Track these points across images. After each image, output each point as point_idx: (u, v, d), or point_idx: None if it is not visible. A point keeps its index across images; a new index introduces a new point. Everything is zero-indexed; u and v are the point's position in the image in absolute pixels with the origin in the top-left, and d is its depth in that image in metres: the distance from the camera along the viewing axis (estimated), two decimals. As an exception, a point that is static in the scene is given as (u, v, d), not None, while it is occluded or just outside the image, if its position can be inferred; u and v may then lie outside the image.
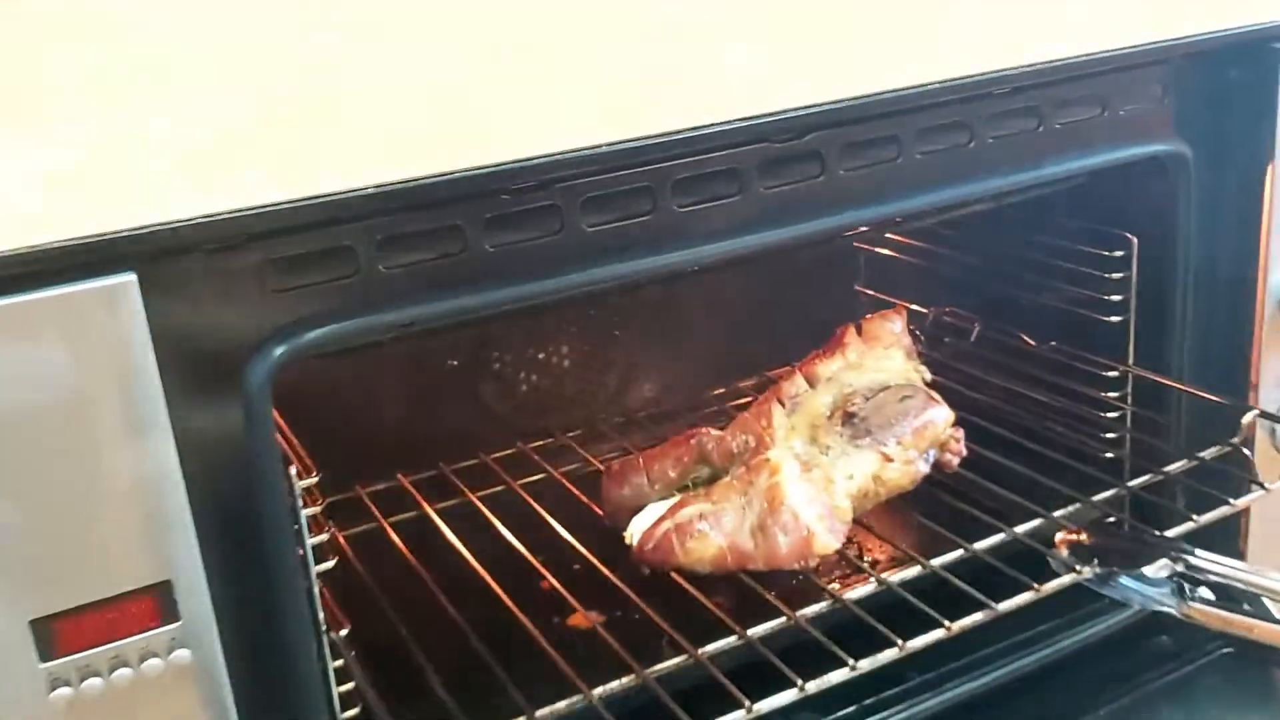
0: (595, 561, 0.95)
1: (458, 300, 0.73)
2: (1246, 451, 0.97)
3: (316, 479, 0.76)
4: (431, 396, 1.18)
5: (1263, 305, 1.02)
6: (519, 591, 0.91)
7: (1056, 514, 0.94)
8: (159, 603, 0.62)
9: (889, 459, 0.93)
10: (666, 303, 1.26)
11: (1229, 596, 0.83)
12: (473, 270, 0.73)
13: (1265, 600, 0.81)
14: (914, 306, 1.20)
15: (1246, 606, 0.82)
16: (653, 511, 0.96)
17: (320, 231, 0.68)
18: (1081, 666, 0.98)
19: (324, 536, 0.77)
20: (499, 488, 1.10)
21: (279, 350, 0.67)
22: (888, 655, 0.82)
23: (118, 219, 0.60)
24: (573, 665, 0.82)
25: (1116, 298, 1.04)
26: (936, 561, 0.91)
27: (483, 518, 1.04)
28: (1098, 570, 0.86)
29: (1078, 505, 0.96)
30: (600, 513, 1.01)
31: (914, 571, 0.90)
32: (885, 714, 0.93)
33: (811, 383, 1.01)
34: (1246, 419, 0.96)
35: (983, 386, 1.13)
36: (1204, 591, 0.83)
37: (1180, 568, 0.82)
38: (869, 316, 1.07)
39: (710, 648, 0.84)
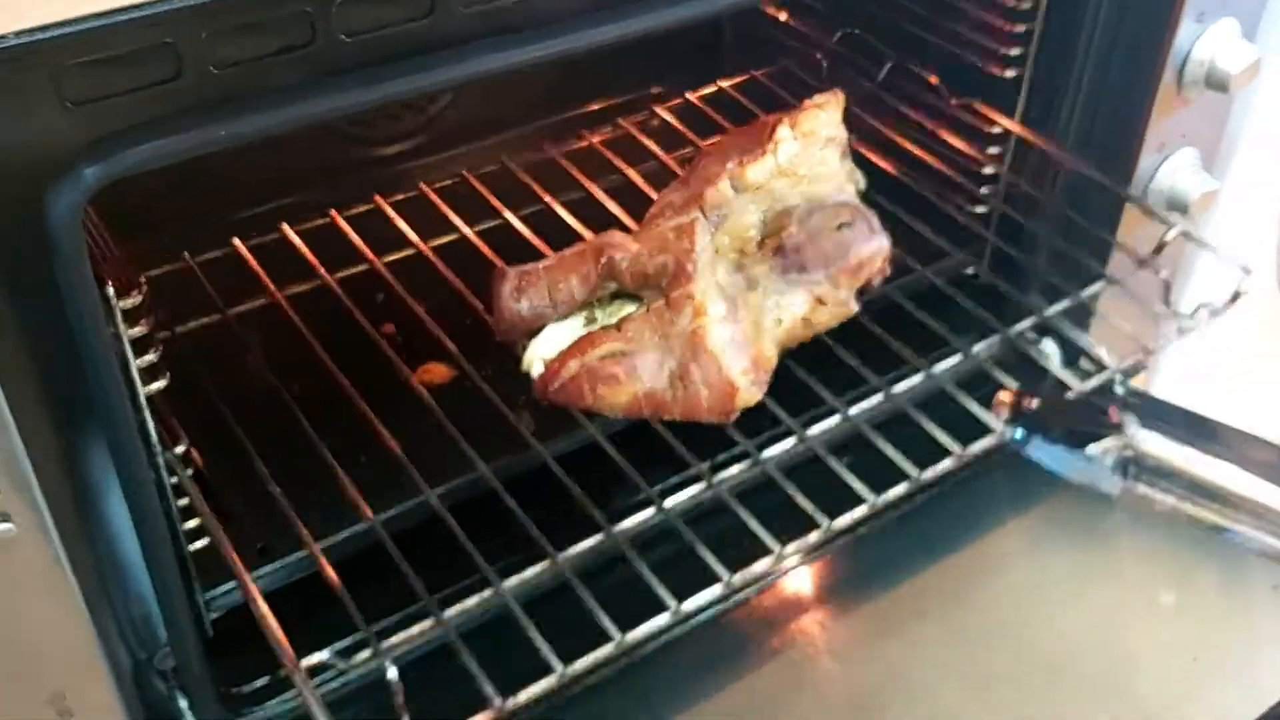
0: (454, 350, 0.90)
1: (309, 104, 0.61)
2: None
3: (141, 297, 0.66)
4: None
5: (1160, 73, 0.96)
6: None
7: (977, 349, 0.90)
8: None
9: (822, 301, 0.85)
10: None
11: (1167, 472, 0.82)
12: (325, 63, 0.62)
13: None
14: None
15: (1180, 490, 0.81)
16: (554, 336, 0.86)
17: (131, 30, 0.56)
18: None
19: (151, 357, 0.69)
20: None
21: (88, 172, 0.56)
22: (813, 536, 0.79)
23: None
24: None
25: (1015, 51, 0.99)
26: (854, 410, 0.86)
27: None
28: (1038, 441, 0.82)
29: (998, 337, 0.92)
30: (486, 318, 0.90)
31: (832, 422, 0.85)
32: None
33: (738, 187, 0.89)
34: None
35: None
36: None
37: (1129, 453, 0.79)
38: (803, 105, 0.93)
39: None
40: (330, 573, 0.75)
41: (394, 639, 0.71)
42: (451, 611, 0.73)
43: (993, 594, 0.88)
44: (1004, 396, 0.86)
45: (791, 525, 0.80)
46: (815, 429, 0.84)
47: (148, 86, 0.58)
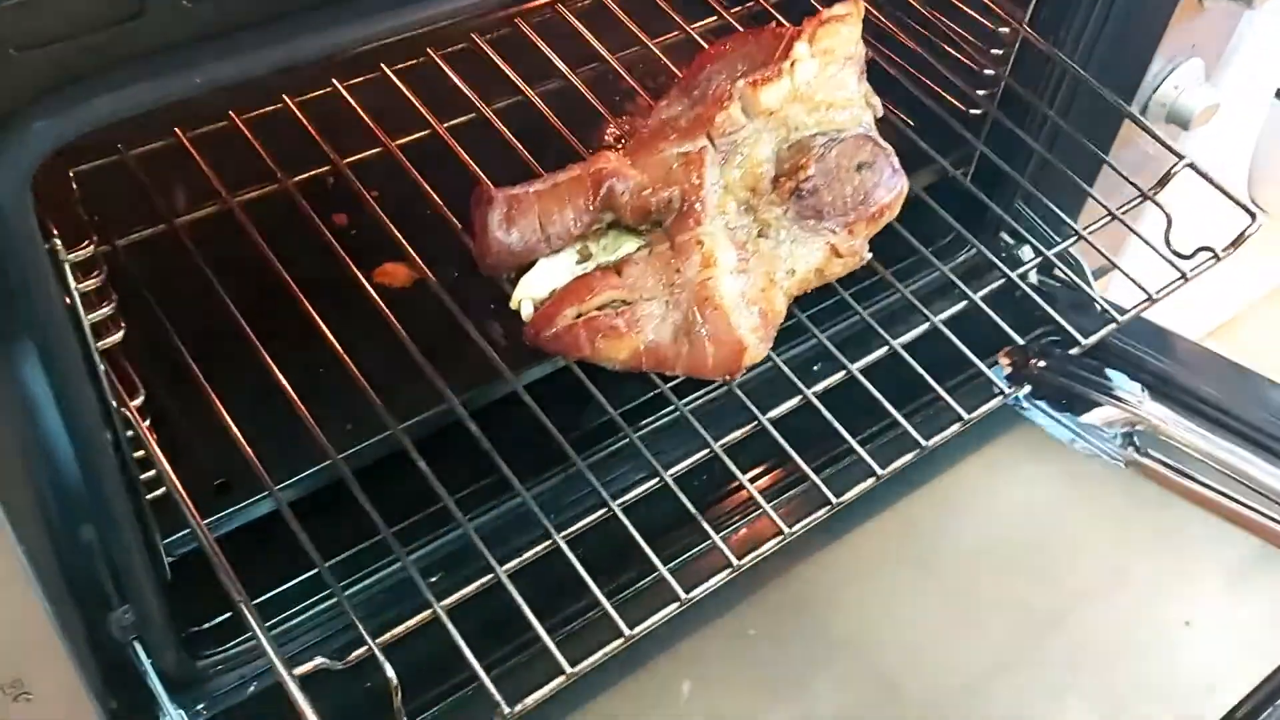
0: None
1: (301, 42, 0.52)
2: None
3: (92, 247, 0.60)
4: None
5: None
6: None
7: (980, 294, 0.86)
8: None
9: (837, 252, 0.79)
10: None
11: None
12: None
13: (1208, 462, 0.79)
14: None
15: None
16: (546, 272, 0.79)
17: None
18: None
19: (107, 310, 0.63)
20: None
21: (39, 127, 0.48)
22: (820, 513, 0.76)
23: None
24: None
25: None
26: (858, 366, 0.81)
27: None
28: (1042, 405, 0.79)
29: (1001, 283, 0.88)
30: (470, 244, 0.82)
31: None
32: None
33: (750, 112, 0.80)
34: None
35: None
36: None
37: (1138, 426, 0.76)
38: (820, 16, 0.84)
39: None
40: (288, 514, 0.70)
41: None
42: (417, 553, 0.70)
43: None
44: (1008, 354, 0.82)
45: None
46: (819, 386, 0.80)
47: (106, 27, 0.49)
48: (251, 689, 0.77)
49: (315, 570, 0.70)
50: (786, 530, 0.73)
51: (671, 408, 0.78)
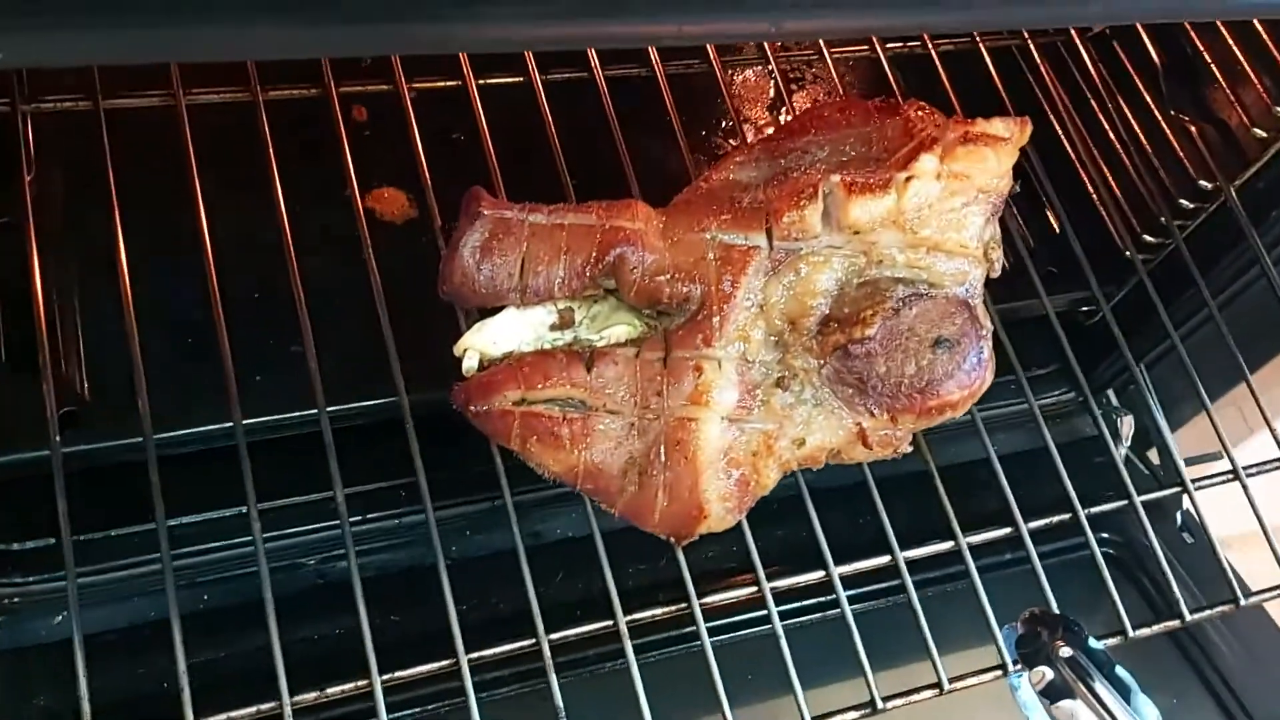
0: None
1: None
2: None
3: None
4: None
5: None
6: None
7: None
8: None
9: (864, 439, 0.61)
10: None
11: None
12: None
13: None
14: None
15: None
16: (509, 327, 0.62)
17: None
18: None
19: None
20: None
21: None
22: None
23: None
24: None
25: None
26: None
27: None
28: (1042, 703, 0.62)
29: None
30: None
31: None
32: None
33: (830, 223, 0.62)
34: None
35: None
36: None
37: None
38: (972, 132, 0.64)
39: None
40: None
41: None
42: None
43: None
44: (1031, 618, 0.65)
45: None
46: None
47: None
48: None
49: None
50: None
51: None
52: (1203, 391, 0.78)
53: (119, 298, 0.62)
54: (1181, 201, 0.85)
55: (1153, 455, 0.93)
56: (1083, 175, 0.88)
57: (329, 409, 0.63)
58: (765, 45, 0.81)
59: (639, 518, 0.60)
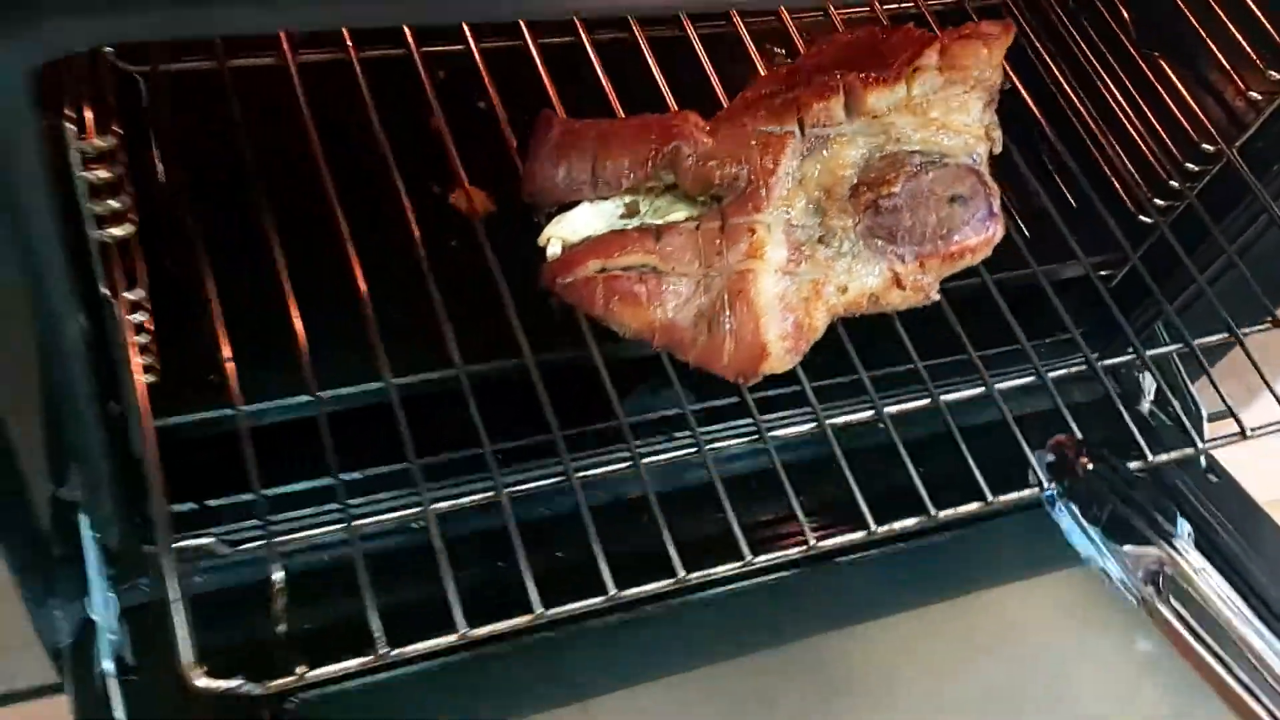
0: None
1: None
2: None
3: (114, 140, 0.55)
4: None
5: None
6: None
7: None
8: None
9: (899, 282, 0.71)
10: None
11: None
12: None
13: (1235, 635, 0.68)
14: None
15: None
16: (583, 218, 0.72)
17: None
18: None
19: (115, 204, 0.57)
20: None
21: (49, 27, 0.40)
22: (793, 552, 0.68)
23: None
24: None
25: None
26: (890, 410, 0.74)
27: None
28: (1072, 508, 0.70)
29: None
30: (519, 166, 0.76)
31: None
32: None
33: (852, 110, 0.73)
34: None
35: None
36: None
37: (1167, 570, 0.67)
38: (963, 29, 0.76)
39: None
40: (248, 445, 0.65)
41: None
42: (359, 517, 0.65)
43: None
44: (1058, 443, 0.73)
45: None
46: (839, 419, 0.72)
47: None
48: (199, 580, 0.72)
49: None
50: (812, 543, 0.65)
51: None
52: (1234, 327, 0.83)
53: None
54: (1188, 165, 0.90)
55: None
56: (1091, 147, 0.94)
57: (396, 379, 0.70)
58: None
59: (710, 363, 0.70)
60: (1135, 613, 0.77)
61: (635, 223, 0.72)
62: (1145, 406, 0.94)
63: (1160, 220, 0.89)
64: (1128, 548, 0.68)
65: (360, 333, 0.69)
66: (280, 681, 0.60)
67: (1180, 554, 0.67)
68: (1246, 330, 0.84)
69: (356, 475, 0.74)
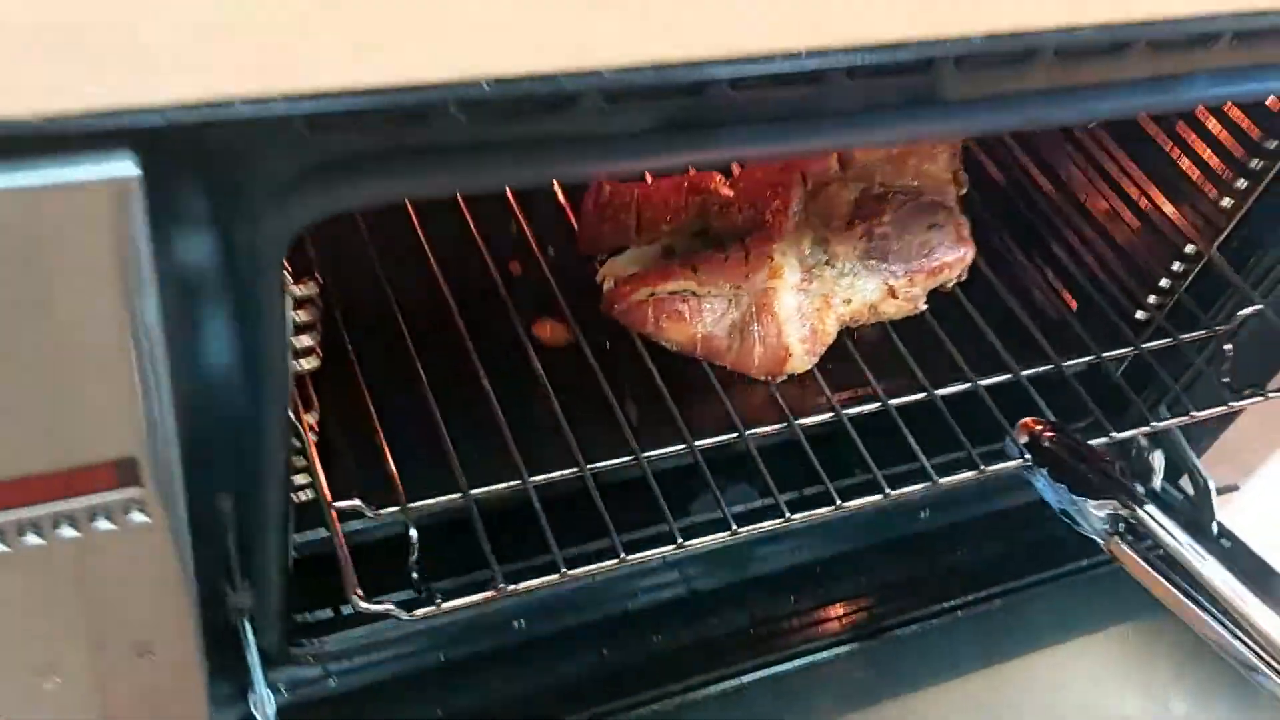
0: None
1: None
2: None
3: (314, 285, 0.64)
4: None
5: None
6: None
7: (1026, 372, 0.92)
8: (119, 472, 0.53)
9: (893, 293, 0.87)
10: None
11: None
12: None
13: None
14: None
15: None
16: (632, 258, 0.89)
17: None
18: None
19: (309, 340, 0.68)
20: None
21: (304, 204, 0.48)
22: (823, 512, 0.82)
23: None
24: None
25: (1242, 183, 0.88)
26: (895, 401, 0.88)
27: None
28: (1043, 473, 0.85)
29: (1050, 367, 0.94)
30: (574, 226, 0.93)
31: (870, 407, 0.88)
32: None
33: (844, 164, 0.90)
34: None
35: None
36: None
37: (1128, 517, 0.81)
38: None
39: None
40: (413, 534, 0.73)
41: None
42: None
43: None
44: (1026, 425, 0.88)
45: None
46: (853, 410, 0.87)
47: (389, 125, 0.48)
48: (331, 684, 0.82)
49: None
50: (787, 517, 0.79)
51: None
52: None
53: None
54: (1173, 265, 0.93)
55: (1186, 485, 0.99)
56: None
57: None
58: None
59: (744, 365, 0.85)
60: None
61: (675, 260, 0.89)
62: (1157, 483, 0.98)
63: (1155, 313, 0.95)
64: (1091, 502, 0.82)
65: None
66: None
67: (1137, 505, 0.81)
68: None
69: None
